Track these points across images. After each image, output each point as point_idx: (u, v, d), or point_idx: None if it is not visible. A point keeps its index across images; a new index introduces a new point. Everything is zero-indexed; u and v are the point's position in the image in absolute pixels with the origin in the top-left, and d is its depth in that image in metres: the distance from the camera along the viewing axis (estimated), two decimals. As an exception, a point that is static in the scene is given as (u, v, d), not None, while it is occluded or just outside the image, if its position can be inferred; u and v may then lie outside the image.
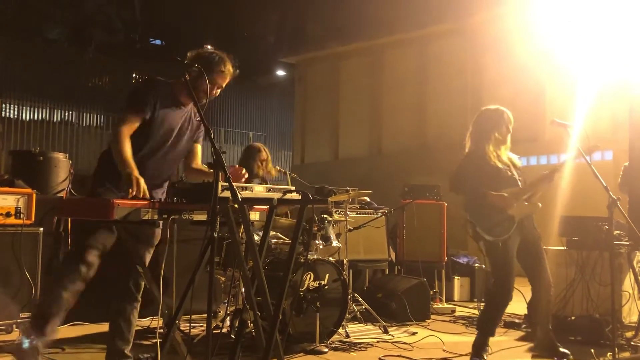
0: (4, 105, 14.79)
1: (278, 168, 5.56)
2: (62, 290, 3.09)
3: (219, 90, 3.30)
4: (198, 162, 3.51)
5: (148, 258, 3.33)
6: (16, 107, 15.25)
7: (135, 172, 2.93)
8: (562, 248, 5.34)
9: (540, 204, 4.17)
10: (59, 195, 5.17)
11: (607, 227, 4.66)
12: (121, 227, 2.98)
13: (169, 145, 3.30)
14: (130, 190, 2.83)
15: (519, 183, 4.19)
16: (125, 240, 3.09)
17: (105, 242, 3.10)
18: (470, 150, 4.31)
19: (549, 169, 4.25)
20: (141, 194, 2.84)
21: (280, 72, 20.01)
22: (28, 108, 15.48)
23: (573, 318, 4.98)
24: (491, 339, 4.30)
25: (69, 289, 3.10)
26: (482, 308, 4.63)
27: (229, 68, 3.28)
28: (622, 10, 8.75)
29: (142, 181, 2.89)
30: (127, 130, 3.10)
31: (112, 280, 3.22)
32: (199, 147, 3.51)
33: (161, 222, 3.09)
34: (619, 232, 5.04)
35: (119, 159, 3.02)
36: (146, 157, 3.22)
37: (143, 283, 3.30)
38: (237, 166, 3.54)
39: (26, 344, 2.99)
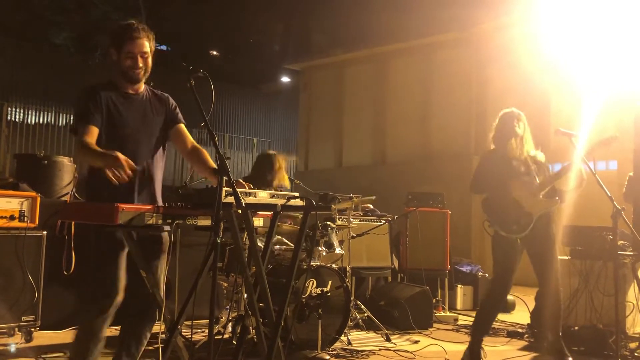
0: (9, 109, 14.84)
1: (293, 179, 5.54)
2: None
3: (148, 58, 3.06)
4: (191, 140, 3.28)
5: (162, 263, 3.16)
6: (22, 111, 15.31)
7: (112, 152, 2.76)
8: (566, 258, 5.32)
9: (558, 199, 4.17)
10: (63, 199, 5.18)
11: (611, 237, 4.63)
12: (125, 233, 2.93)
13: (142, 136, 3.10)
14: (120, 165, 2.70)
15: (536, 178, 4.21)
16: (130, 247, 3.00)
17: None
18: (489, 150, 4.41)
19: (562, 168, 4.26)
20: (126, 165, 2.71)
21: (285, 79, 20.07)
22: (33, 112, 15.54)
23: (576, 328, 4.96)
24: (494, 349, 4.30)
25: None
26: (477, 310, 4.65)
27: (137, 33, 3.01)
28: (628, 21, 8.74)
29: (120, 155, 2.74)
30: (89, 138, 2.91)
31: (130, 296, 3.09)
32: (183, 127, 3.28)
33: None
34: (623, 242, 5.03)
35: (91, 155, 2.85)
36: (131, 157, 2.95)
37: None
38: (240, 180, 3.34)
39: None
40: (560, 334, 4.31)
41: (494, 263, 4.24)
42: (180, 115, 3.29)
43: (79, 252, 4.81)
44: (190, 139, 3.29)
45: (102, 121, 3.01)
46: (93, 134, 2.96)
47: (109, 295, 2.97)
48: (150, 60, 3.09)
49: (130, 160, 2.77)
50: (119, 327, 3.23)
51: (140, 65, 3.04)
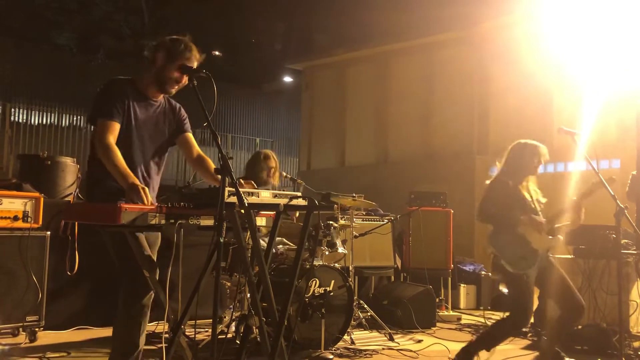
0: (12, 110, 14.87)
1: (284, 174, 5.54)
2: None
3: (186, 78, 3.09)
4: (197, 149, 3.33)
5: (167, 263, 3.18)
6: (25, 111, 15.34)
7: (138, 182, 2.84)
8: (569, 257, 5.31)
9: (561, 237, 4.13)
10: (66, 199, 5.19)
11: (614, 235, 4.64)
12: (127, 230, 2.93)
13: (148, 143, 3.13)
14: (141, 199, 2.75)
15: (541, 216, 4.13)
16: (133, 247, 3.00)
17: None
18: (498, 177, 4.23)
19: (569, 203, 4.18)
20: (148, 203, 2.78)
21: (287, 79, 20.07)
22: (36, 113, 15.56)
23: (580, 327, 4.95)
24: (497, 348, 4.28)
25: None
26: (491, 323, 4.56)
27: (194, 53, 3.08)
28: (630, 19, 8.73)
29: (147, 190, 2.81)
30: (112, 138, 2.95)
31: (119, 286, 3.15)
32: (190, 136, 3.33)
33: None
34: (626, 240, 5.02)
35: (116, 172, 2.88)
36: (132, 161, 3.07)
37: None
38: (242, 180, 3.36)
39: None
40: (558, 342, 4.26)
41: (513, 300, 4.13)
42: (188, 125, 3.33)
43: (83, 252, 4.83)
44: (196, 147, 3.35)
45: (123, 121, 3.04)
46: (115, 131, 2.99)
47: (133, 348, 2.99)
48: (184, 82, 3.13)
49: (151, 199, 2.82)
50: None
51: (180, 83, 3.10)
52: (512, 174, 4.18)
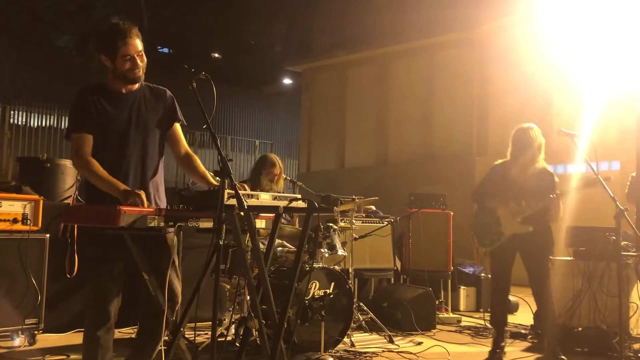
0: (12, 112, 14.88)
1: (289, 179, 5.56)
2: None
3: (143, 56, 3.01)
4: (185, 146, 3.24)
5: (169, 265, 3.07)
6: (24, 113, 15.34)
7: (127, 187, 2.83)
8: (569, 259, 5.31)
9: (531, 228, 4.46)
10: (65, 202, 5.19)
11: (614, 237, 4.63)
12: (127, 236, 2.93)
13: (130, 141, 3.05)
14: (140, 202, 2.75)
15: (529, 199, 4.45)
16: (132, 249, 2.99)
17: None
18: (500, 162, 4.72)
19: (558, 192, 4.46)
20: (146, 205, 2.77)
21: (287, 81, 20.09)
22: (36, 115, 15.57)
23: (580, 329, 4.95)
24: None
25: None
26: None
27: (125, 34, 2.93)
28: (630, 21, 8.74)
29: (142, 193, 2.79)
30: (87, 150, 2.93)
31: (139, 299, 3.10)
32: (178, 129, 3.22)
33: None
34: (626, 242, 5.01)
35: (102, 185, 2.87)
36: (122, 159, 3.03)
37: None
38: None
39: None
40: (555, 336, 4.48)
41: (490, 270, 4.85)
42: (178, 113, 3.22)
43: (82, 254, 4.82)
44: (184, 144, 3.25)
45: (94, 122, 2.98)
46: (88, 142, 2.96)
47: (102, 312, 3.00)
48: (144, 56, 3.05)
49: (142, 191, 2.79)
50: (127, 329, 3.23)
51: (140, 64, 3.01)
52: (513, 159, 4.62)
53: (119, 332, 3.17)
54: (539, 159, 4.55)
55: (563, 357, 4.33)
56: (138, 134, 3.07)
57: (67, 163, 5.39)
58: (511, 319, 6.29)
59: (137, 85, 3.12)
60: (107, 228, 2.76)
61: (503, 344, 4.64)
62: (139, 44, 3.00)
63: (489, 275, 6.99)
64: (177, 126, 3.23)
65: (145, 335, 3.16)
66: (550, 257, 4.60)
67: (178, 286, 3.15)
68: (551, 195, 4.36)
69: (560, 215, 4.48)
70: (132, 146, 3.06)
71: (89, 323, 3.05)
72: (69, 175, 5.32)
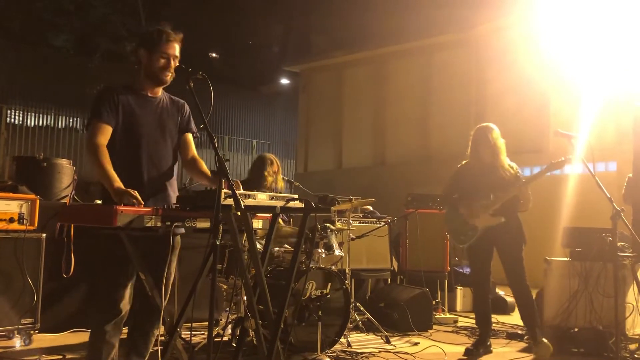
0: (9, 112, 14.84)
1: (286, 179, 5.61)
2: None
3: (176, 61, 3.12)
4: (193, 152, 3.34)
5: (168, 265, 3.08)
6: (21, 113, 15.31)
7: (122, 186, 2.84)
8: (566, 259, 5.31)
9: (503, 219, 4.64)
10: (62, 201, 5.18)
11: (610, 238, 4.64)
12: (124, 234, 2.92)
13: (151, 142, 3.13)
14: (130, 203, 2.75)
15: (496, 192, 4.66)
16: (129, 248, 2.99)
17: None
18: (462, 164, 4.95)
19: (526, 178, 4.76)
20: (139, 204, 2.77)
21: (285, 81, 20.08)
22: (33, 114, 15.53)
23: (576, 330, 4.96)
24: (494, 351, 4.36)
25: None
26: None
27: (171, 36, 3.11)
28: (627, 22, 8.76)
29: (136, 193, 2.80)
30: (102, 139, 2.99)
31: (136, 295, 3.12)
32: (190, 137, 3.34)
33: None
34: (622, 243, 5.02)
35: (102, 175, 2.90)
36: (137, 159, 3.09)
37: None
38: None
39: None
40: (537, 322, 4.73)
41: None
42: (192, 125, 3.34)
43: (79, 254, 4.81)
44: (193, 149, 3.35)
45: (118, 122, 3.06)
46: (105, 133, 3.02)
47: (114, 307, 3.01)
48: (176, 63, 3.13)
49: (136, 193, 2.80)
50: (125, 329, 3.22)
51: (171, 67, 3.10)
52: (471, 157, 4.87)
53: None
54: (500, 154, 4.76)
55: (544, 339, 4.59)
56: (158, 136, 3.17)
57: (64, 162, 5.38)
58: (507, 319, 6.31)
59: (160, 92, 3.23)
60: (103, 228, 2.76)
61: (484, 345, 4.75)
62: (177, 49, 3.13)
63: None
64: (189, 135, 3.35)
65: (136, 333, 3.19)
66: (523, 245, 4.78)
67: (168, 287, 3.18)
68: (517, 185, 4.60)
69: (530, 205, 4.67)
70: (151, 147, 3.14)
71: (98, 317, 3.07)
72: (65, 174, 5.31)
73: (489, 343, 4.81)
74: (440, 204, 5.12)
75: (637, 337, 4.89)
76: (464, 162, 4.95)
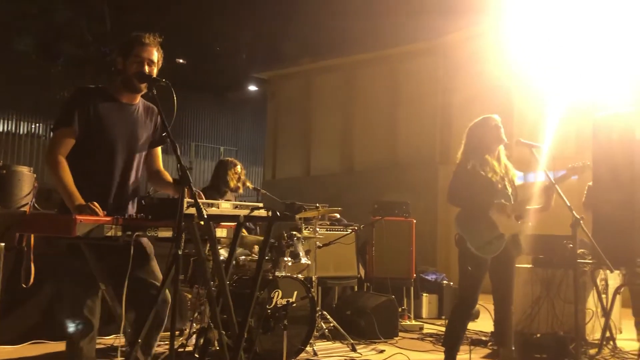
0: (-32, 117, 14.48)
1: (252, 186, 5.56)
2: None
3: (154, 69, 3.01)
4: (159, 165, 3.27)
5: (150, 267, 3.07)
6: (-19, 119, 14.96)
7: (82, 202, 2.75)
8: (529, 266, 5.40)
9: (530, 224, 4.13)
10: (22, 209, 5.06)
11: (571, 245, 4.73)
12: (84, 244, 2.86)
13: (123, 152, 3.03)
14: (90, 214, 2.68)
15: (511, 198, 4.11)
16: (89, 259, 2.91)
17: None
18: (461, 161, 4.20)
19: (539, 186, 4.18)
20: (102, 215, 2.70)
21: (253, 88, 20.03)
22: (-7, 120, 15.19)
23: (538, 335, 5.03)
24: (458, 357, 4.32)
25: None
26: (447, 323, 4.55)
27: (146, 37, 3.01)
28: (590, 33, 8.98)
29: (96, 205, 2.72)
30: (62, 150, 2.88)
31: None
32: (159, 150, 3.27)
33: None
34: (582, 250, 5.12)
35: (61, 190, 2.81)
36: (108, 165, 3.00)
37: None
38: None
39: None
40: (513, 347, 4.23)
41: (461, 276, 4.10)
42: (162, 141, 3.22)
43: (38, 264, 4.70)
44: (159, 162, 3.27)
45: (89, 130, 2.94)
46: (69, 143, 2.91)
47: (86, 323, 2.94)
48: (155, 71, 3.03)
49: (96, 205, 2.73)
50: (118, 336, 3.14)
51: (147, 71, 2.98)
52: (472, 154, 4.14)
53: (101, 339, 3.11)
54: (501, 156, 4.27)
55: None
56: (129, 146, 3.06)
57: (24, 170, 5.25)
58: (472, 325, 6.36)
59: (137, 99, 3.11)
60: (62, 238, 2.70)
61: None
62: (154, 53, 3.03)
63: (451, 283, 7.13)
64: (159, 148, 3.26)
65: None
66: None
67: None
68: (546, 181, 4.07)
69: (551, 206, 4.11)
70: (120, 158, 3.03)
71: (71, 335, 2.96)
72: (25, 182, 5.18)
73: None
74: (456, 204, 4.12)
75: (596, 342, 4.99)
76: (468, 164, 4.14)
